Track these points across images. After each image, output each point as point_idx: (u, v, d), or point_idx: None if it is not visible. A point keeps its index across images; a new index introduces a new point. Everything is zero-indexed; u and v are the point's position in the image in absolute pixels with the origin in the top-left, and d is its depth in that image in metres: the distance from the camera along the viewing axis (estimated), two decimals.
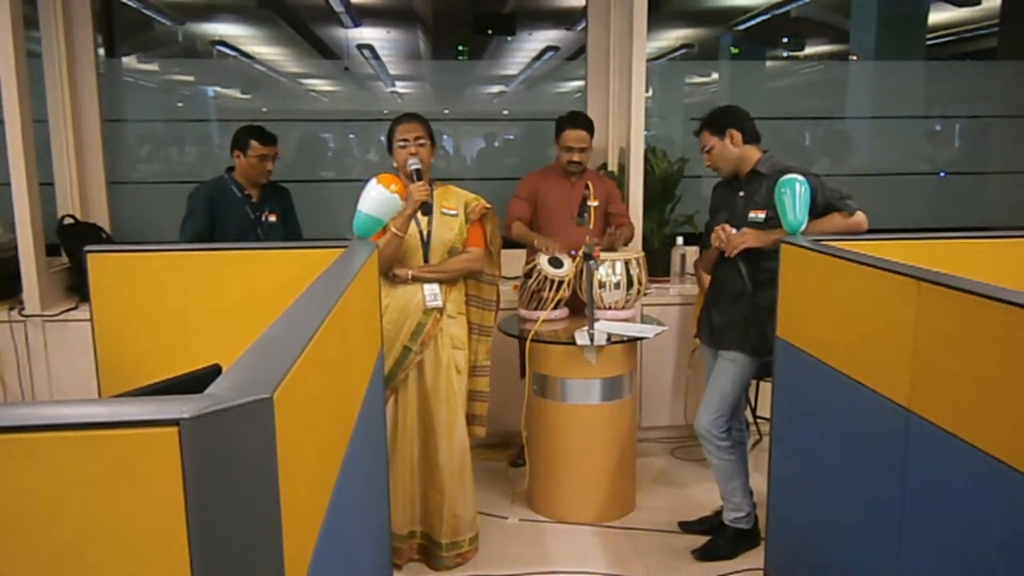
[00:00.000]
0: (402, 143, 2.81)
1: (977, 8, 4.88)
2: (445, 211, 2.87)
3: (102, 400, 1.41)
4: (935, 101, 4.84)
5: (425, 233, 2.84)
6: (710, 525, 3.16)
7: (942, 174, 4.86)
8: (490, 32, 4.67)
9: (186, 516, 0.79)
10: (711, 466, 3.04)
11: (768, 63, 4.92)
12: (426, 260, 2.84)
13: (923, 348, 1.75)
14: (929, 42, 4.92)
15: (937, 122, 4.90)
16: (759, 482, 2.97)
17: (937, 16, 4.91)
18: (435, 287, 2.83)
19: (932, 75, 4.88)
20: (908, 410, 1.80)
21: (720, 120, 2.91)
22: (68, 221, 3.93)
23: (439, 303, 2.83)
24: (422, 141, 2.82)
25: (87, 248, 2.11)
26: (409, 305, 2.80)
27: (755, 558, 2.94)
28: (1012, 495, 1.45)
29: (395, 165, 2.87)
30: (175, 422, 0.77)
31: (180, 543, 0.79)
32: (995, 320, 1.50)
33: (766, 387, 3.19)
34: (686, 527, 3.22)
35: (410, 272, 2.80)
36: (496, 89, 4.82)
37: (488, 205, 2.97)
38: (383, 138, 3.02)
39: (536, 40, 4.77)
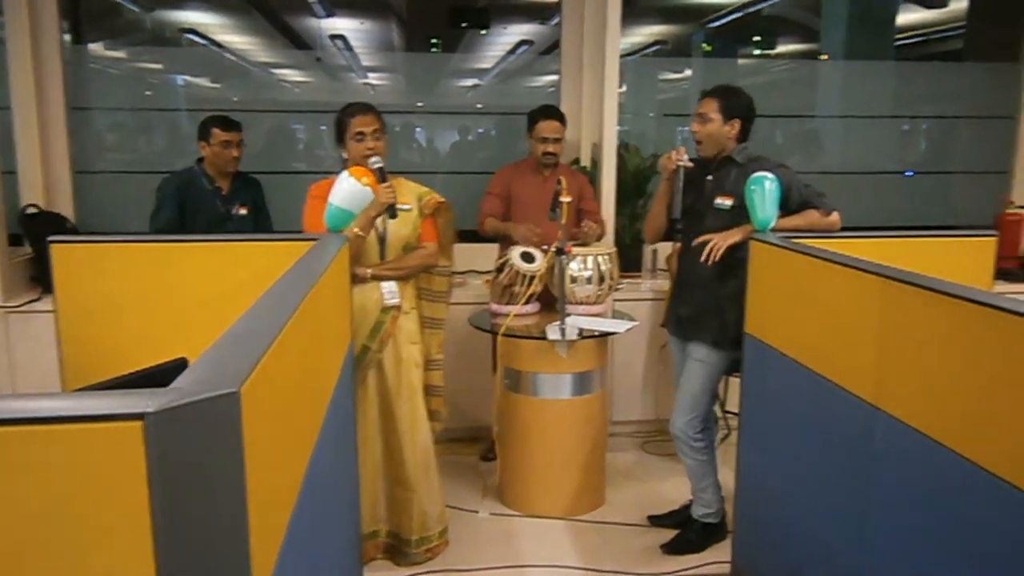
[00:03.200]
0: (359, 136, 2.72)
1: (944, 10, 4.96)
2: (400, 207, 2.78)
3: (65, 394, 1.39)
4: (903, 101, 4.91)
5: (381, 230, 2.79)
6: (679, 519, 3.19)
7: (908, 173, 4.94)
8: (464, 25, 4.65)
9: (151, 512, 0.78)
10: (684, 465, 3.07)
11: (740, 61, 4.96)
12: (382, 258, 2.80)
13: (888, 345, 1.78)
14: (897, 43, 4.99)
15: (905, 122, 4.98)
16: (727, 476, 3.00)
17: (905, 17, 4.98)
18: (393, 285, 2.79)
19: (900, 75, 4.95)
20: (873, 406, 1.83)
21: (735, 105, 2.82)
22: (31, 211, 3.86)
23: (397, 300, 2.79)
24: (378, 135, 2.75)
25: (51, 238, 2.07)
26: (368, 303, 2.75)
27: (723, 551, 2.97)
28: (973, 488, 1.48)
29: (344, 156, 2.77)
30: (140, 416, 0.76)
31: (144, 540, 0.79)
32: (957, 318, 1.53)
33: (735, 382, 3.23)
34: (655, 521, 3.24)
35: (369, 271, 2.75)
36: (470, 82, 4.80)
37: (442, 199, 2.92)
38: None
39: (510, 34, 4.76)
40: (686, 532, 3.08)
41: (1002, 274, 4.02)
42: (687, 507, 3.16)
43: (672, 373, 3.23)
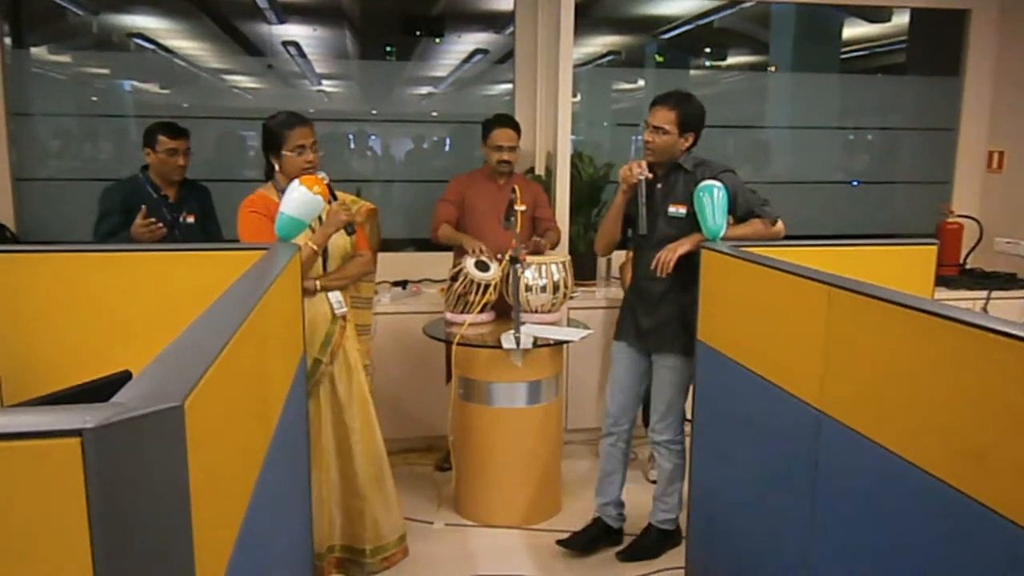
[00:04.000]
0: (299, 149, 2.67)
1: (888, 24, 5.10)
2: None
3: (1, 410, 1.35)
4: (848, 112, 5.04)
5: None
6: (588, 536, 3.11)
7: (854, 183, 5.06)
8: (419, 33, 4.64)
9: (90, 533, 0.76)
10: (658, 469, 3.04)
11: (691, 71, 5.03)
12: (324, 269, 2.77)
13: (833, 351, 1.82)
14: (843, 56, 5.11)
15: (850, 132, 5.11)
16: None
17: (851, 31, 5.11)
18: (339, 294, 2.77)
19: (846, 87, 5.08)
20: (819, 411, 1.87)
21: (691, 118, 2.81)
22: None
23: (344, 310, 2.77)
24: (316, 147, 2.72)
25: None
26: (317, 316, 2.71)
27: (677, 556, 3.00)
28: (915, 490, 1.51)
29: (277, 168, 2.72)
30: (77, 432, 0.74)
31: (84, 561, 0.76)
32: (899, 324, 1.57)
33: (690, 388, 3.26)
34: (562, 544, 3.10)
35: (317, 282, 2.72)
36: (425, 90, 4.79)
37: (372, 206, 2.94)
38: None
39: (465, 43, 4.76)
40: (642, 539, 3.10)
41: (942, 281, 4.14)
42: (593, 525, 3.13)
43: (611, 375, 3.13)
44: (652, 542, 3.08)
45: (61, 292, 2.02)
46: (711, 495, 2.57)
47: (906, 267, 2.51)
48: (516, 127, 3.69)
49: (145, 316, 1.97)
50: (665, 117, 2.80)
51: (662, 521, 3.07)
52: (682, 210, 2.82)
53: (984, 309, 4.16)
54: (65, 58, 4.30)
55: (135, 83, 4.37)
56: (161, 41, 4.37)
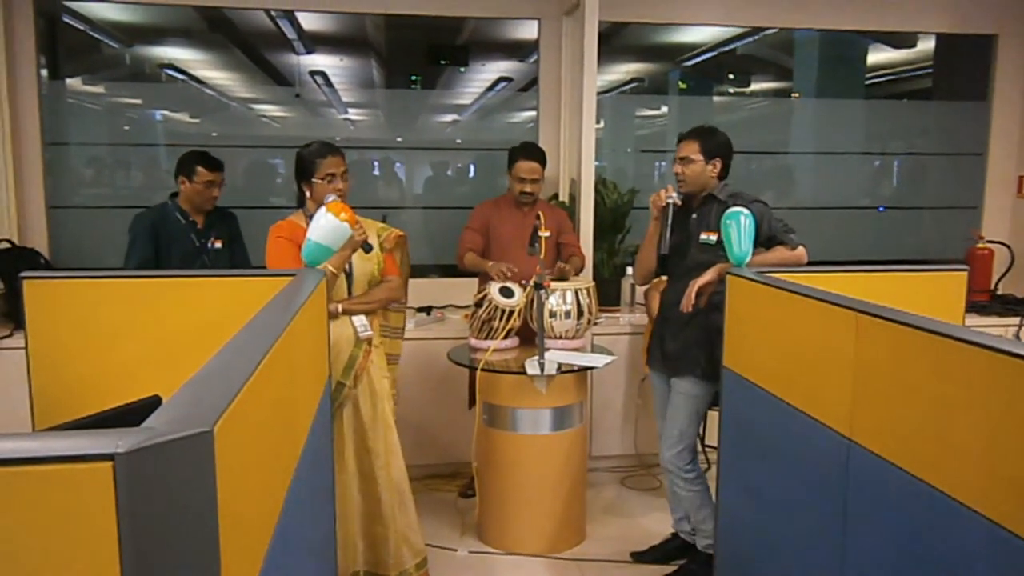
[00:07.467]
0: (329, 177, 2.73)
1: (913, 50, 5.08)
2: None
3: (33, 434, 1.37)
4: (874, 138, 5.02)
5: (347, 266, 2.79)
6: (662, 552, 3.16)
7: (881, 208, 5.02)
8: (443, 62, 4.70)
9: (120, 556, 0.76)
10: (679, 498, 3.03)
11: (715, 98, 5.04)
12: (349, 293, 2.79)
13: (862, 378, 1.80)
14: (868, 82, 5.10)
15: (876, 158, 5.08)
16: None
17: (875, 57, 5.10)
18: (363, 318, 2.79)
19: (871, 113, 5.06)
20: (849, 439, 1.84)
21: (715, 145, 2.91)
22: (4, 246, 3.81)
23: (369, 333, 2.79)
24: (346, 176, 2.77)
25: (23, 274, 2.04)
26: (340, 339, 2.73)
27: None
28: (948, 521, 1.48)
29: (308, 196, 2.77)
30: (109, 457, 0.74)
31: None
32: (930, 351, 1.55)
33: (714, 415, 3.23)
34: (638, 557, 3.21)
35: (340, 305, 2.74)
36: (449, 118, 4.84)
37: (401, 233, 2.97)
38: None
39: (489, 71, 4.81)
40: (690, 563, 3.06)
41: (973, 307, 4.08)
42: (668, 541, 3.14)
43: (653, 407, 3.22)
44: (700, 567, 3.02)
45: (92, 318, 2.05)
46: (738, 523, 2.53)
47: (936, 293, 2.48)
48: (541, 158, 3.69)
49: (174, 341, 1.99)
50: (689, 148, 2.90)
51: (707, 547, 3.02)
52: (713, 237, 2.86)
53: (1017, 336, 4.08)
54: (99, 89, 4.41)
55: (166, 113, 4.46)
56: (191, 72, 4.46)
